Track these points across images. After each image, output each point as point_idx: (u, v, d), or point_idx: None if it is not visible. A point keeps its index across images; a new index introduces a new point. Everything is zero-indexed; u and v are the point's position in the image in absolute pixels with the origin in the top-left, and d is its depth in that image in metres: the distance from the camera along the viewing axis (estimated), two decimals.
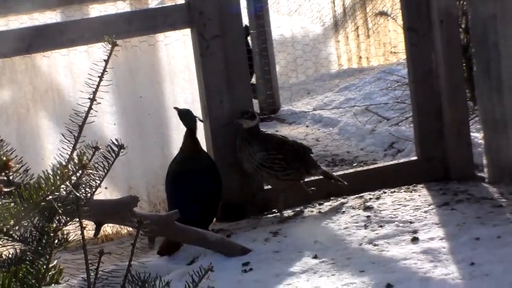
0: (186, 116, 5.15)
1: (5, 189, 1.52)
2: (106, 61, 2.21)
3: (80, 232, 2.03)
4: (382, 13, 9.79)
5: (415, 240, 4.64)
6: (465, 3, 5.66)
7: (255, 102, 8.22)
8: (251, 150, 5.18)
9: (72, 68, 5.43)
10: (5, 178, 1.88)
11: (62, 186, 1.81)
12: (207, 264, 2.26)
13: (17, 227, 1.84)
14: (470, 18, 5.61)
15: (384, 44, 10.50)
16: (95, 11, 6.75)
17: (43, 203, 1.71)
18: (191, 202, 5.06)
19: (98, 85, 2.20)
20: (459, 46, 5.68)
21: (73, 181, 1.94)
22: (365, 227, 4.91)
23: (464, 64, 5.74)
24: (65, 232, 1.92)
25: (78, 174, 1.88)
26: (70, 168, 1.83)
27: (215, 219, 5.30)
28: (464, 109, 5.71)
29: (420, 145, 5.73)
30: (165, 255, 4.91)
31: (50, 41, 5.21)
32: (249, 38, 8.61)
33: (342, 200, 5.40)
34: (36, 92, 5.45)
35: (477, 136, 5.92)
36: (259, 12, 8.93)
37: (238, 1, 5.43)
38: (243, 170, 5.28)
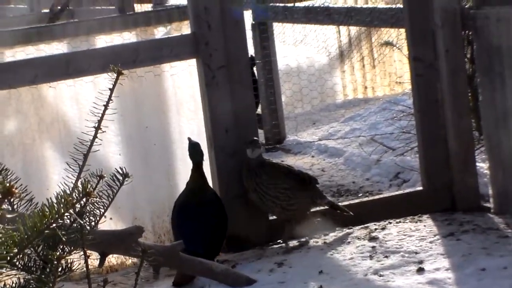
0: (192, 149, 5.16)
1: (8, 216, 1.52)
2: (111, 90, 2.22)
3: (84, 261, 2.03)
4: (388, 43, 9.80)
5: (420, 270, 4.63)
6: (470, 33, 5.67)
7: (261, 132, 8.23)
8: (257, 179, 5.18)
9: (78, 99, 5.44)
10: (9, 206, 1.89)
11: (66, 214, 1.81)
12: None
13: (20, 255, 1.84)
14: (475, 48, 5.62)
15: (390, 74, 10.52)
16: (101, 41, 6.78)
17: (47, 231, 1.71)
18: (197, 234, 5.06)
19: (103, 114, 2.21)
20: (464, 76, 5.68)
21: (77, 209, 1.94)
22: (371, 257, 4.90)
23: (469, 94, 5.74)
24: (69, 261, 1.91)
25: (82, 202, 1.88)
26: (74, 196, 1.83)
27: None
28: (470, 139, 5.71)
29: (426, 175, 5.72)
30: (180, 287, 4.90)
31: (56, 72, 5.22)
32: (254, 68, 8.63)
33: (348, 231, 5.39)
34: (42, 122, 5.46)
35: (483, 166, 5.92)
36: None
37: (244, 32, 5.45)
38: (249, 199, 5.28)
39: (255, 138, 5.30)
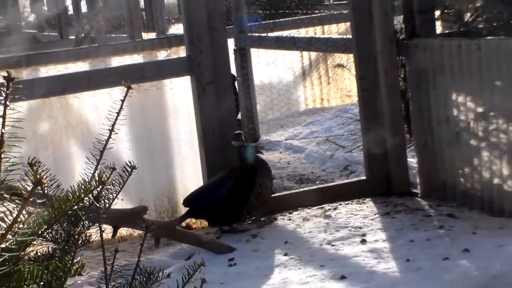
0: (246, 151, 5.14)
1: (39, 201, 1.51)
2: (123, 101, 2.20)
3: (99, 234, 2.02)
4: (340, 65, 9.81)
5: (363, 241, 4.63)
6: (403, 58, 5.67)
7: None
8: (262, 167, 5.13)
9: (97, 107, 5.41)
10: (41, 191, 1.87)
11: (86, 198, 1.79)
12: (200, 260, 2.24)
13: (49, 231, 1.82)
14: (407, 70, 5.63)
15: (341, 89, 10.51)
16: (115, 61, 6.76)
17: (70, 212, 1.70)
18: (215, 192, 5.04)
19: (116, 119, 2.18)
20: (399, 91, 5.69)
21: (94, 195, 1.92)
22: (325, 231, 4.90)
23: (403, 105, 5.75)
24: (88, 234, 1.90)
25: (98, 189, 1.86)
26: (93, 184, 1.82)
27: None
28: (403, 140, 5.72)
29: (368, 167, 5.73)
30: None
31: (80, 85, 5.20)
32: (236, 83, 8.62)
33: (307, 210, 5.38)
34: (69, 125, 5.43)
35: (412, 161, 5.93)
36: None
37: (228, 55, 5.43)
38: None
39: (239, 131, 5.26)
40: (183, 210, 5.57)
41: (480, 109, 4.98)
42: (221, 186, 5.06)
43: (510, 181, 4.82)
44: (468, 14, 5.55)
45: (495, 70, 4.79)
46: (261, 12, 12.43)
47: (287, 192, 5.74)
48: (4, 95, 1.65)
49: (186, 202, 5.08)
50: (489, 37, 5.04)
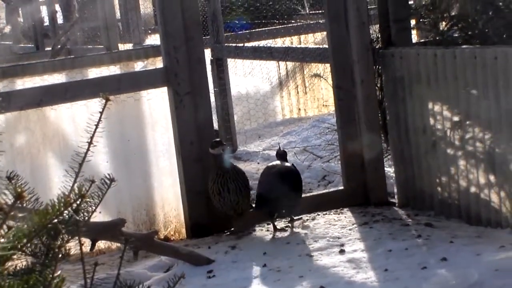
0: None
1: (19, 214, 1.51)
2: (101, 113, 2.20)
3: (79, 247, 2.01)
4: (316, 75, 9.84)
5: (342, 252, 4.64)
6: (380, 67, 5.70)
7: None
8: (222, 182, 5.14)
9: (74, 118, 5.39)
10: (20, 205, 1.86)
11: (65, 211, 1.79)
12: (179, 272, 2.25)
13: (29, 244, 1.82)
14: (383, 78, 5.66)
15: (318, 99, 10.54)
16: (92, 73, 6.74)
17: (49, 225, 1.70)
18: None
19: (94, 132, 2.18)
20: (375, 100, 5.72)
21: (74, 208, 1.92)
22: (303, 242, 4.91)
23: (379, 114, 5.78)
24: (67, 247, 1.90)
25: (78, 202, 1.86)
26: (72, 197, 1.82)
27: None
28: (380, 150, 5.75)
29: (346, 177, 5.75)
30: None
31: (57, 97, 5.18)
32: (212, 94, 8.62)
33: (285, 221, 5.39)
34: (46, 137, 5.40)
35: (390, 170, 5.96)
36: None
37: (205, 66, 5.44)
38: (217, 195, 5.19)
39: (219, 139, 5.29)
40: (161, 222, 5.57)
41: (456, 118, 5.02)
42: None
43: (487, 189, 4.86)
44: (444, 23, 5.59)
45: (470, 78, 4.83)
46: (237, 22, 12.47)
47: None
48: None
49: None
50: (464, 46, 5.09)
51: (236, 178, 5.15)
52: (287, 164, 5.44)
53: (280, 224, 5.29)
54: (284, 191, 5.11)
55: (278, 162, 5.43)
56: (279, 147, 5.70)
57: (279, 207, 5.18)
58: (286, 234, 5.11)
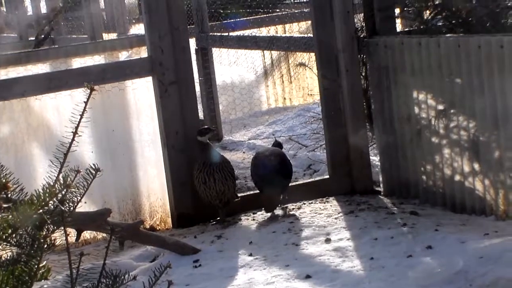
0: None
1: (4, 205, 1.50)
2: (86, 103, 2.19)
3: (64, 238, 2.01)
4: (301, 64, 9.84)
5: (328, 240, 4.66)
6: (364, 56, 5.71)
7: None
8: (209, 171, 5.16)
9: (59, 108, 5.37)
10: (5, 196, 1.86)
11: (50, 202, 1.78)
12: (165, 262, 2.24)
13: (14, 235, 1.81)
14: (368, 67, 5.67)
15: (303, 88, 10.54)
16: (77, 63, 6.71)
17: (35, 216, 1.69)
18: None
19: (79, 122, 2.18)
20: (360, 89, 5.73)
21: (59, 198, 1.92)
22: (289, 231, 4.92)
23: (364, 103, 5.79)
24: (53, 238, 1.89)
25: (63, 192, 1.85)
26: (57, 188, 1.81)
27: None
28: (365, 138, 5.76)
29: (331, 166, 5.76)
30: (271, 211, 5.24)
31: (41, 87, 5.16)
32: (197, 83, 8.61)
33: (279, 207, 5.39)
34: (30, 127, 5.38)
35: (375, 159, 5.98)
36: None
37: (190, 55, 5.43)
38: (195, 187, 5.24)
39: (207, 127, 5.33)
40: (147, 212, 5.57)
41: (440, 106, 5.04)
42: None
43: (471, 177, 4.89)
44: (428, 12, 5.60)
45: (454, 67, 4.85)
46: (222, 11, 12.43)
47: (251, 192, 5.75)
48: None
49: None
50: (448, 35, 5.10)
51: (222, 168, 5.15)
52: (276, 148, 5.59)
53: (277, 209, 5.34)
54: (284, 172, 5.32)
55: (266, 146, 5.53)
56: (275, 139, 5.77)
57: (284, 187, 5.32)
58: (272, 223, 5.12)
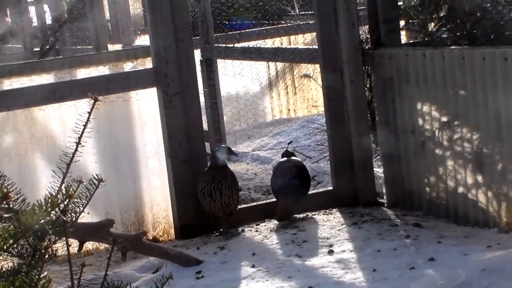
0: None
1: (6, 215, 1.51)
2: (89, 113, 2.20)
3: (66, 248, 2.01)
4: (306, 75, 9.86)
5: (331, 252, 4.65)
6: (369, 68, 5.72)
7: (207, 144, 8.20)
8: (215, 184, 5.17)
9: (63, 119, 5.38)
10: (6, 205, 1.86)
11: (52, 212, 1.79)
12: (168, 273, 2.25)
13: (15, 245, 1.82)
14: (373, 79, 5.67)
15: (308, 99, 10.55)
16: (81, 73, 6.72)
17: (36, 226, 1.69)
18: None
19: (82, 132, 2.18)
20: (365, 101, 5.73)
21: (61, 208, 1.92)
22: (292, 242, 4.91)
23: (369, 115, 5.79)
24: (54, 248, 1.89)
25: (65, 203, 1.86)
26: (59, 198, 1.82)
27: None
28: (369, 150, 5.76)
29: (335, 178, 5.76)
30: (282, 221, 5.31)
31: (45, 98, 5.17)
32: (201, 94, 8.62)
33: (275, 221, 5.40)
34: (33, 137, 5.39)
35: (378, 171, 5.97)
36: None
37: (194, 66, 5.44)
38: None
39: (229, 147, 5.40)
40: (150, 223, 5.57)
41: (444, 118, 5.04)
42: None
43: (474, 189, 4.88)
44: (432, 24, 5.61)
45: (459, 79, 4.85)
46: (227, 22, 12.46)
47: (254, 204, 5.75)
48: None
49: None
50: (453, 47, 5.11)
51: (230, 183, 5.18)
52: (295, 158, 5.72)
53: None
54: (303, 183, 5.47)
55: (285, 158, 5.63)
56: (286, 149, 5.86)
57: (302, 198, 5.44)
58: (275, 234, 5.11)
